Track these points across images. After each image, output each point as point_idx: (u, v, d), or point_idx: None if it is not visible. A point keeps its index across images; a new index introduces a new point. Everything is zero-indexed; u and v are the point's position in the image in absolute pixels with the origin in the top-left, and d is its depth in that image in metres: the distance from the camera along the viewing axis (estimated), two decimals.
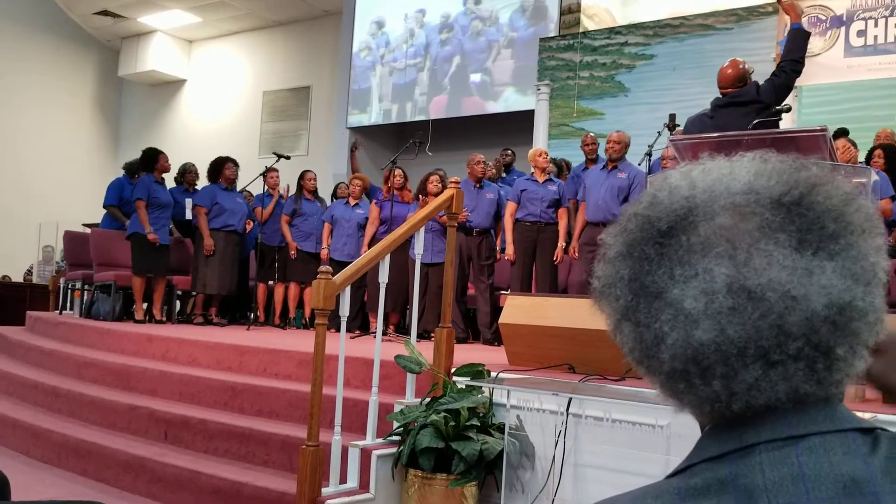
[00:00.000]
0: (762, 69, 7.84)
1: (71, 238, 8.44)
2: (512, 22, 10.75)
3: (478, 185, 6.53)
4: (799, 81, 7.78)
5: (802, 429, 0.62)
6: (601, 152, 6.49)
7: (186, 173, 7.98)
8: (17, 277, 12.55)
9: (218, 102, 14.54)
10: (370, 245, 6.84)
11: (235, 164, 7.60)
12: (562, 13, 10.08)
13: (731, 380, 0.63)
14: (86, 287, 7.77)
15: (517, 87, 10.57)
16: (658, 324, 0.65)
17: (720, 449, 0.64)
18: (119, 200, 7.69)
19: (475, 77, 11.01)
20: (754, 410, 0.63)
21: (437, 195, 6.56)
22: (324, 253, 7.29)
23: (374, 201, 7.17)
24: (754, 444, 0.63)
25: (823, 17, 7.95)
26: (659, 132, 5.78)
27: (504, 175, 7.89)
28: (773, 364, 0.62)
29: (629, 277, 0.67)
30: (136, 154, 8.05)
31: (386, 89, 11.93)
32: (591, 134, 6.77)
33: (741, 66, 4.42)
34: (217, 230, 7.28)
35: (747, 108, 4.23)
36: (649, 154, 5.41)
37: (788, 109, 4.15)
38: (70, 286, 8.22)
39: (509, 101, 10.63)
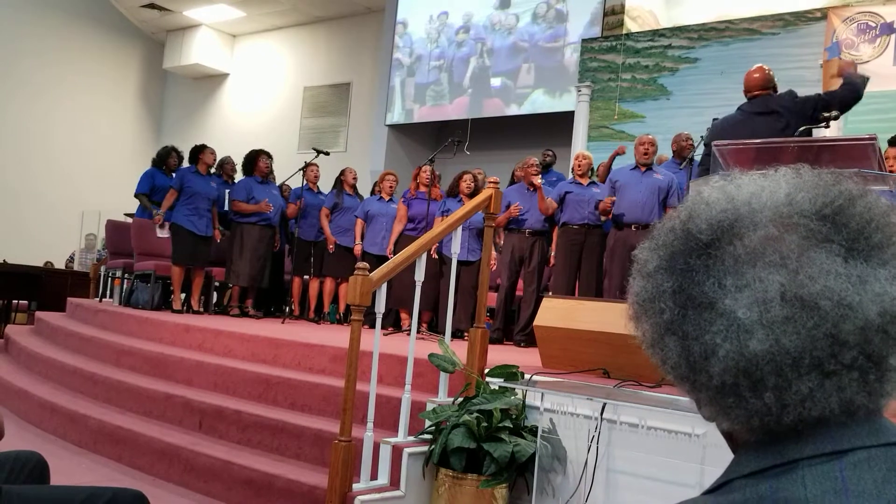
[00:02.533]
0: (809, 75, 7.76)
1: (113, 227, 8.58)
2: (538, 25, 10.75)
3: (531, 188, 6.50)
4: None
5: (846, 443, 0.61)
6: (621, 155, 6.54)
7: (224, 165, 8.12)
8: (60, 264, 12.80)
9: (259, 97, 14.69)
10: (395, 243, 6.86)
11: (269, 156, 7.68)
12: (605, 14, 10.01)
13: (784, 391, 0.61)
14: (126, 276, 7.89)
15: (545, 89, 10.56)
16: (709, 336, 0.63)
17: (760, 465, 0.63)
18: (151, 189, 7.81)
19: (504, 80, 11.00)
20: (805, 423, 0.62)
21: (469, 195, 6.59)
22: (357, 249, 7.31)
23: (402, 199, 7.18)
24: (796, 459, 0.62)
25: (873, 25, 7.79)
26: (702, 137, 5.70)
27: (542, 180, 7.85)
28: (828, 375, 0.61)
29: (673, 290, 0.66)
30: (177, 147, 8.20)
31: (413, 89, 12.01)
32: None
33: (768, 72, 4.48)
34: (252, 223, 7.36)
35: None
36: (692, 160, 5.34)
37: (836, 117, 4.07)
38: (110, 274, 8.36)
39: (538, 103, 10.63)
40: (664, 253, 0.68)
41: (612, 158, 6.85)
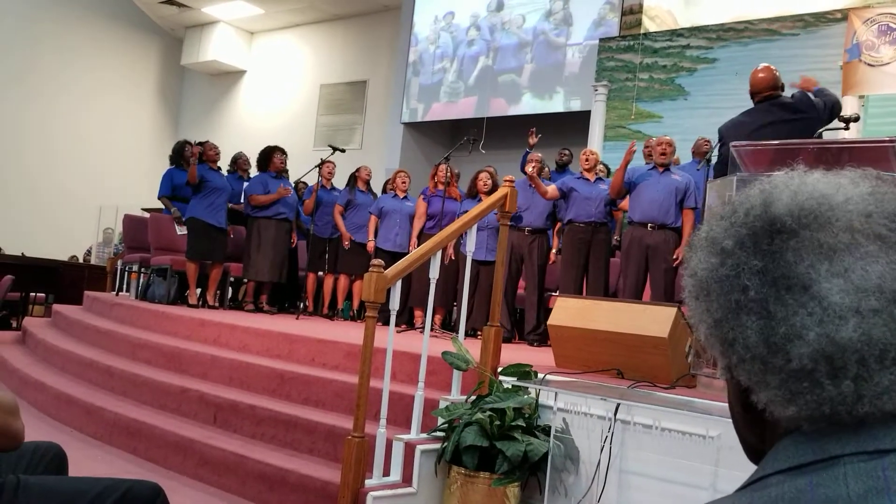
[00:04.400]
0: (828, 77, 7.69)
1: (130, 221, 8.63)
2: (546, 24, 10.80)
3: (532, 185, 6.50)
4: (866, 91, 7.64)
5: (889, 443, 0.61)
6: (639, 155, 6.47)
7: (238, 160, 8.17)
8: (78, 257, 12.90)
9: (276, 94, 14.74)
10: (418, 239, 6.88)
11: (284, 152, 7.72)
12: (623, 14, 9.99)
13: (864, 382, 0.61)
14: (142, 270, 7.95)
15: (551, 89, 10.66)
16: (798, 318, 0.63)
17: (799, 460, 0.63)
18: (172, 189, 7.87)
19: (509, 79, 11.04)
20: (876, 416, 0.62)
21: (487, 193, 6.58)
22: (370, 246, 7.34)
23: (422, 196, 7.19)
24: (838, 455, 0.61)
25: (894, 26, 7.71)
26: (715, 145, 5.67)
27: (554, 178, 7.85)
28: None
29: (759, 269, 0.65)
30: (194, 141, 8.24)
31: (418, 88, 12.07)
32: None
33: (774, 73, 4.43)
34: (269, 219, 7.39)
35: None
36: (709, 160, 5.31)
37: (856, 119, 4.04)
38: (127, 268, 8.42)
39: (544, 103, 10.74)
40: (744, 231, 0.67)
41: (626, 162, 6.48)
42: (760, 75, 4.44)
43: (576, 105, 10.31)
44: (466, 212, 6.38)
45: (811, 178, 0.68)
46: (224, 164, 7.95)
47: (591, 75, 9.89)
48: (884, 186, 0.67)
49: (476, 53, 11.51)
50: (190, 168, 7.13)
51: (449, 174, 7.02)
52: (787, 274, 0.64)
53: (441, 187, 6.94)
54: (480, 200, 6.59)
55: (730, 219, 0.69)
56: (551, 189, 6.22)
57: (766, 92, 4.40)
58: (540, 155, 6.75)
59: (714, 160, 5.46)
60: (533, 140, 7.35)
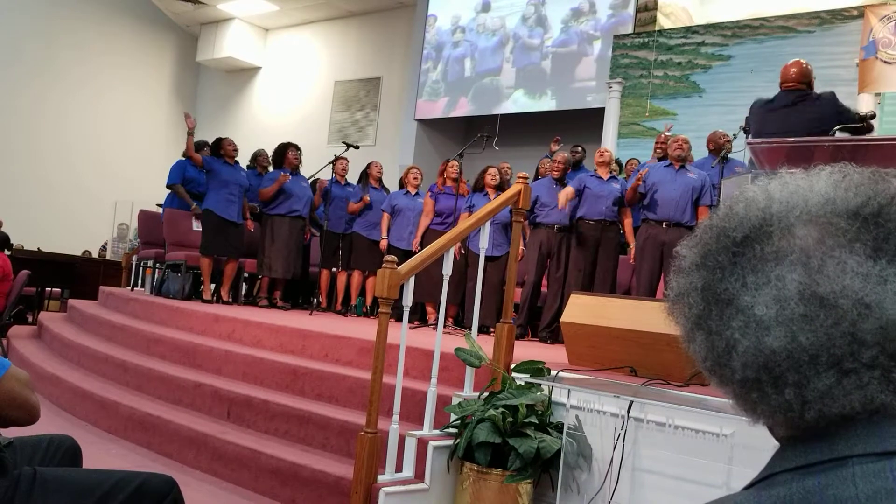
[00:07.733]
0: (844, 74, 7.64)
1: (145, 217, 8.67)
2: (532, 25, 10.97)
3: (560, 184, 6.47)
4: (883, 89, 7.57)
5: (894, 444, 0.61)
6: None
7: (258, 157, 8.19)
8: (93, 253, 12.99)
9: (291, 91, 14.77)
10: (422, 237, 6.87)
11: (298, 149, 7.73)
12: (638, 10, 9.95)
13: (803, 388, 0.62)
14: (157, 265, 7.99)
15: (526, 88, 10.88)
16: (729, 331, 0.65)
17: (807, 459, 0.63)
18: (182, 180, 7.90)
19: (503, 78, 11.09)
20: (828, 420, 0.63)
21: (494, 188, 6.59)
22: (383, 243, 7.34)
23: (429, 193, 7.18)
24: (846, 456, 0.61)
25: None
26: (734, 135, 5.63)
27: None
28: (847, 372, 0.61)
29: (702, 286, 0.68)
30: (210, 139, 8.26)
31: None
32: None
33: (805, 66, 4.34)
34: (283, 215, 7.40)
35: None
36: (724, 157, 5.28)
37: (873, 116, 4.01)
38: (142, 264, 8.46)
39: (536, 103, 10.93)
40: (700, 250, 0.70)
41: (636, 184, 6.00)
42: (792, 70, 4.36)
43: (549, 104, 10.65)
44: (471, 206, 6.40)
45: (778, 183, 0.69)
46: (244, 160, 7.97)
47: (566, 75, 10.10)
48: (846, 177, 0.67)
49: (461, 55, 11.76)
50: (187, 141, 7.24)
51: (458, 171, 7.02)
52: (719, 290, 0.66)
53: (450, 184, 6.93)
54: (486, 194, 6.60)
55: (695, 237, 0.72)
56: (569, 190, 6.17)
57: (790, 83, 4.33)
58: (566, 155, 6.72)
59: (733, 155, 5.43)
60: (555, 148, 7.36)
